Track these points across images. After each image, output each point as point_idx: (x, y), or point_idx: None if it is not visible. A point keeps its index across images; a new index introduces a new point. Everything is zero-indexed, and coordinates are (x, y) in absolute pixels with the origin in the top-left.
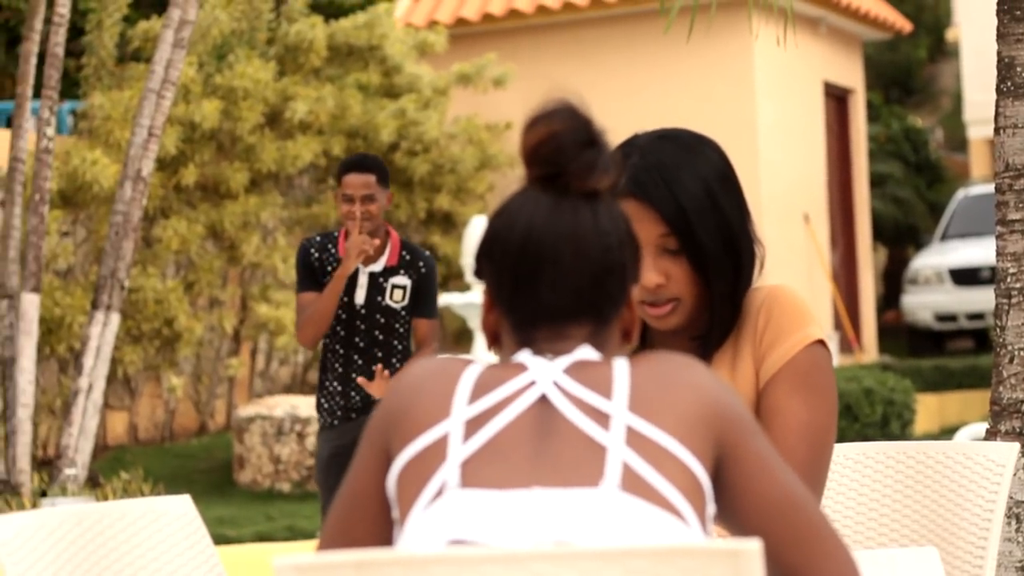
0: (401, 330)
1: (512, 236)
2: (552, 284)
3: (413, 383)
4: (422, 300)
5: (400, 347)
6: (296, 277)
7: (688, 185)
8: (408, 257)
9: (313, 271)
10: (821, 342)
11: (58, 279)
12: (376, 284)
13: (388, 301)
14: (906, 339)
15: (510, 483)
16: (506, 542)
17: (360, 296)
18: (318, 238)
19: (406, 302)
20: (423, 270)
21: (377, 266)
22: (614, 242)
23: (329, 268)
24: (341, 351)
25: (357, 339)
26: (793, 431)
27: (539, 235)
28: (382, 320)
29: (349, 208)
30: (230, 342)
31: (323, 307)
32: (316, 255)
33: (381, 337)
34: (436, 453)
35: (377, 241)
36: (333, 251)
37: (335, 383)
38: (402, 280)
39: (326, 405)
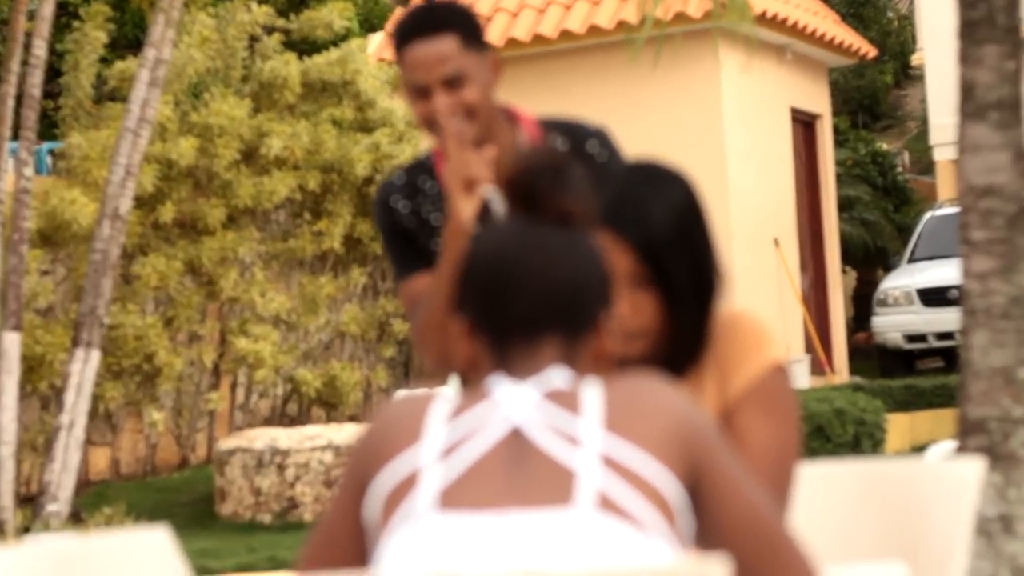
0: None
1: (486, 253)
2: (522, 293)
3: (387, 416)
4: None
5: None
6: (388, 255)
7: (659, 217)
8: (572, 146)
9: (410, 237)
10: (781, 363)
11: (39, 317)
12: None
13: None
14: (877, 360)
15: (486, 507)
16: (481, 567)
17: None
18: (399, 175)
19: None
20: (598, 150)
21: None
22: (583, 261)
23: (432, 219)
24: None
25: None
26: (760, 453)
27: (510, 250)
28: None
29: (426, 108)
30: (210, 376)
31: (446, 297)
32: (407, 207)
33: None
34: (411, 481)
35: (494, 149)
36: (431, 188)
37: None
38: None
39: None
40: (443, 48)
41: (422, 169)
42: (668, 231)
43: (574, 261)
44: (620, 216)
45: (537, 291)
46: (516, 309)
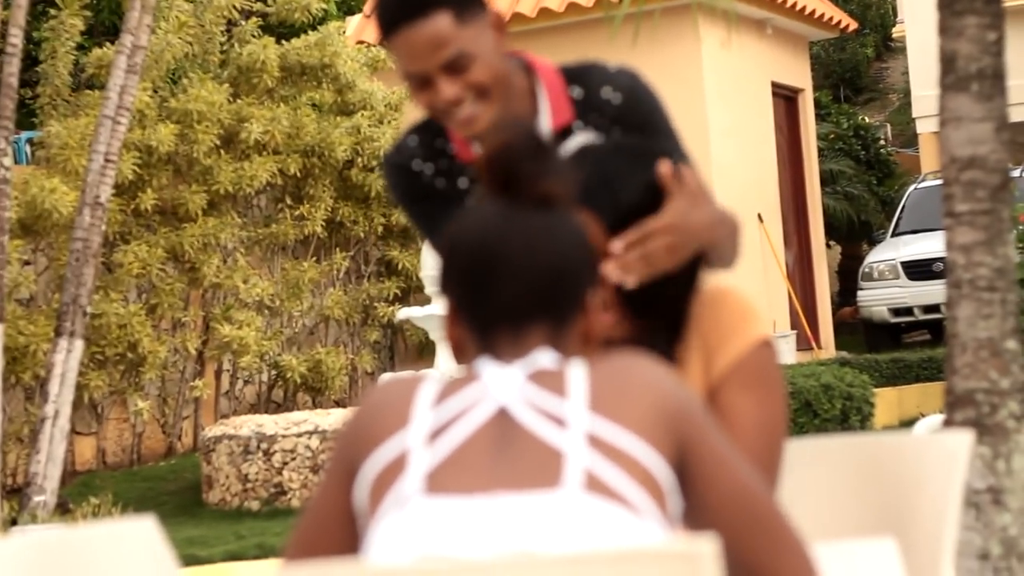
0: None
1: (467, 239)
2: (506, 281)
3: (375, 400)
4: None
5: None
6: (415, 224)
7: (635, 195)
8: (586, 94)
9: (443, 196)
10: (767, 339)
11: (21, 308)
12: None
13: None
14: (863, 334)
15: (473, 489)
16: (470, 550)
17: None
18: (411, 139)
19: None
20: (624, 100)
21: None
22: (567, 245)
23: (459, 183)
24: None
25: None
26: (747, 429)
27: (493, 236)
28: None
29: (431, 98)
30: (194, 364)
31: None
32: (432, 168)
33: None
34: (399, 464)
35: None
36: (450, 149)
37: None
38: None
39: None
40: (436, 29)
41: (432, 131)
42: (643, 209)
43: (557, 245)
44: (595, 194)
45: (520, 277)
46: (500, 295)
